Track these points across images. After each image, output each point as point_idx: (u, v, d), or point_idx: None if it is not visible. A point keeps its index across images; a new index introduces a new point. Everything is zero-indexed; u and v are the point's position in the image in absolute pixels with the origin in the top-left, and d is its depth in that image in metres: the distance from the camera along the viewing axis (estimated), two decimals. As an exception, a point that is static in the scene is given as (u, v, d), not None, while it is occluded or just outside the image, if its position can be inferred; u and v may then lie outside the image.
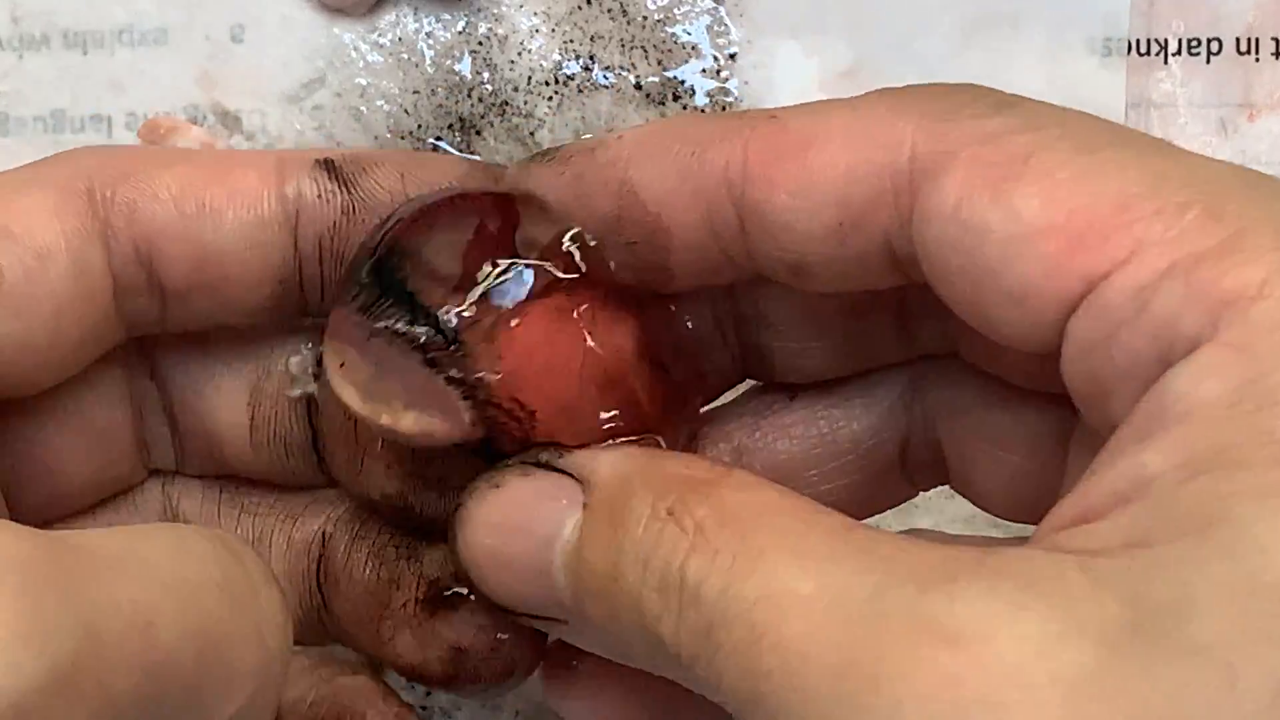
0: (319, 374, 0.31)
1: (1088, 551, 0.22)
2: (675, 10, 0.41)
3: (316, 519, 0.32)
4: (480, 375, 0.28)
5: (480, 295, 0.28)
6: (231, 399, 0.32)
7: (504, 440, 0.28)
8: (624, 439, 0.29)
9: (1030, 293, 0.24)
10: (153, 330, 0.31)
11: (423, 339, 0.28)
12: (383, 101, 0.41)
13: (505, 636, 0.30)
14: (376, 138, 0.41)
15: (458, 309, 0.28)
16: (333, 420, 0.31)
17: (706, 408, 0.32)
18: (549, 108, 0.41)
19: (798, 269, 0.27)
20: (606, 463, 0.27)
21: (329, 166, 0.30)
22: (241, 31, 0.41)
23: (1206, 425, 0.21)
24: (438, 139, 0.41)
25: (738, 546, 0.24)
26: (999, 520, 0.30)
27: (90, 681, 0.21)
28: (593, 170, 0.29)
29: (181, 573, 0.24)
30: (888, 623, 0.21)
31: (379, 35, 0.41)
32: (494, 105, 0.41)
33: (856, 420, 0.31)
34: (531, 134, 0.41)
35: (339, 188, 0.30)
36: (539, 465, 0.28)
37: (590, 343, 0.29)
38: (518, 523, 0.28)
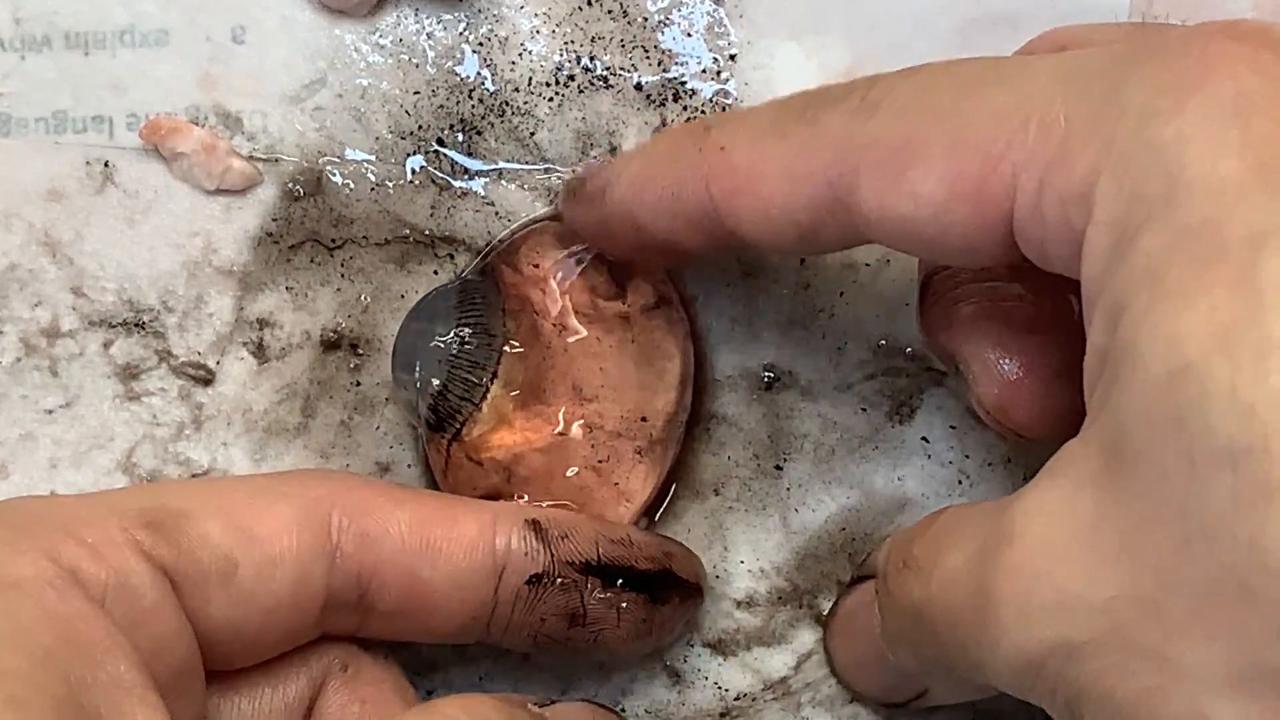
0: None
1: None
2: (675, 11, 0.41)
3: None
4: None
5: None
6: None
7: None
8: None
9: (974, 245, 0.29)
10: (345, 634, 0.35)
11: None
12: (384, 102, 0.41)
13: None
14: (377, 138, 0.41)
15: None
16: None
17: None
18: (549, 108, 0.41)
19: (785, 254, 0.34)
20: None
21: (536, 527, 0.35)
22: (243, 32, 0.41)
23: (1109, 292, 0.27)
24: (439, 140, 0.41)
25: None
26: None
27: None
28: (609, 213, 0.36)
29: None
30: None
31: (380, 36, 0.41)
32: (494, 106, 0.41)
33: None
34: (531, 134, 0.41)
35: (543, 548, 0.35)
36: None
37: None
38: None
